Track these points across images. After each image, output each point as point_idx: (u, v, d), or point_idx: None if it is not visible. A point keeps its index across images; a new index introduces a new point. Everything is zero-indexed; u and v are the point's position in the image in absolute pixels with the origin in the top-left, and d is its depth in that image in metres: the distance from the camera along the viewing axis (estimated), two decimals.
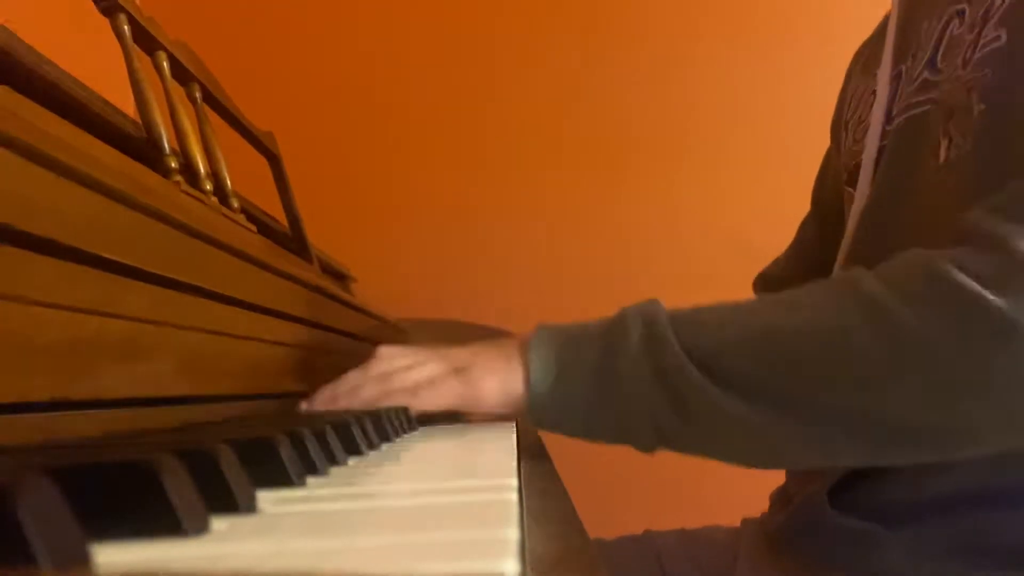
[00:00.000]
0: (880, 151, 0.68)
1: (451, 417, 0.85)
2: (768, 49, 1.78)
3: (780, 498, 0.76)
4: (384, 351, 0.67)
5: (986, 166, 0.55)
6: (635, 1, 1.83)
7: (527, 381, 0.60)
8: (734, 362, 0.55)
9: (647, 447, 0.59)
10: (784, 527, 0.70)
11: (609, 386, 0.58)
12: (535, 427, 0.63)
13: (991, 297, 0.48)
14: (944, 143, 0.59)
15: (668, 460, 1.63)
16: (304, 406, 0.66)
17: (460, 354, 0.65)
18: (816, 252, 0.90)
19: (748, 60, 1.79)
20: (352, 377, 0.65)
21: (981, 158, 0.56)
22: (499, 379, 0.61)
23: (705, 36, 1.80)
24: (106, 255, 0.41)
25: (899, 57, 0.70)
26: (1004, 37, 0.56)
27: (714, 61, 1.80)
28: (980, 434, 0.51)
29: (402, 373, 0.64)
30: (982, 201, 0.53)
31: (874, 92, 0.71)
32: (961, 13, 0.62)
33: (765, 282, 0.98)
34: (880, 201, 0.66)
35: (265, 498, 0.30)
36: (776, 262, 0.98)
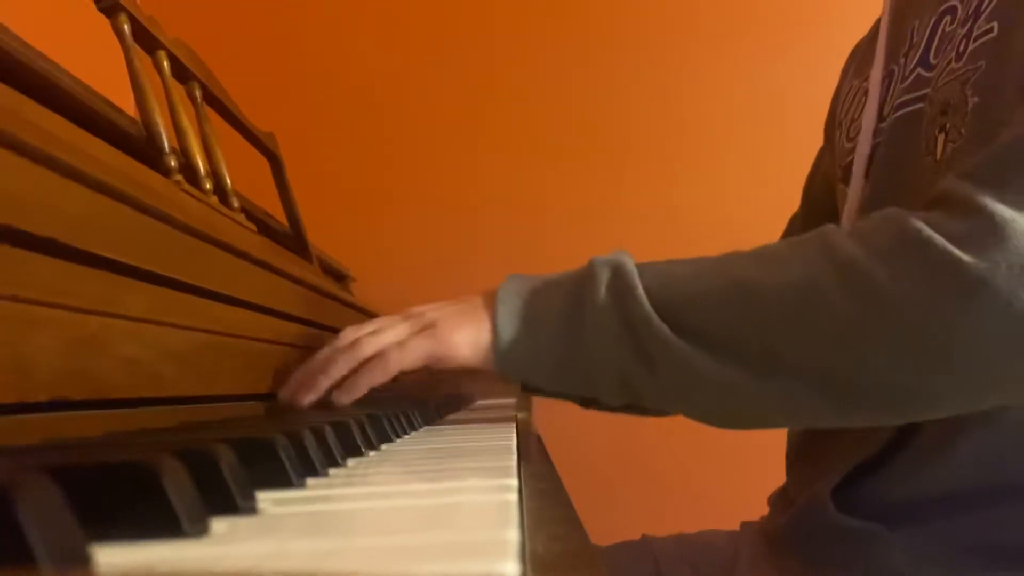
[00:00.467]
0: (873, 148, 0.69)
1: (452, 408, 0.85)
2: (768, 49, 1.78)
3: (780, 500, 0.76)
4: (347, 328, 0.66)
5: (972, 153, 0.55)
6: (635, 1, 1.83)
7: (494, 332, 0.59)
8: (701, 315, 0.54)
9: (614, 400, 0.59)
10: (785, 528, 0.70)
11: (576, 336, 0.57)
12: (504, 378, 0.62)
13: (961, 255, 0.48)
14: (941, 138, 0.59)
15: (666, 465, 1.64)
16: (281, 394, 0.65)
17: (426, 312, 0.64)
18: None
19: (748, 60, 1.79)
20: (321, 354, 0.65)
21: (973, 149, 0.56)
22: (467, 331, 0.61)
23: (705, 36, 1.80)
24: (106, 255, 0.41)
25: (891, 56, 0.70)
26: (996, 29, 0.56)
27: (714, 61, 1.80)
28: (943, 396, 0.51)
29: (369, 338, 0.63)
30: (955, 166, 0.53)
31: (867, 91, 0.71)
32: (952, 10, 0.62)
33: None
34: (876, 198, 0.66)
35: (265, 499, 0.30)
36: None
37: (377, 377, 0.62)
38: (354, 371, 0.63)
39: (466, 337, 0.61)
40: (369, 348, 0.63)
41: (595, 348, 0.57)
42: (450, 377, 0.81)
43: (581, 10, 1.84)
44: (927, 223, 0.50)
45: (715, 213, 1.77)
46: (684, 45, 1.81)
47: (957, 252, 0.48)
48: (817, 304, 0.52)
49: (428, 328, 0.62)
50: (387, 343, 0.63)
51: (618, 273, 0.57)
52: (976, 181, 0.51)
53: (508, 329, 0.59)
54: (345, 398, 0.63)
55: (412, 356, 0.62)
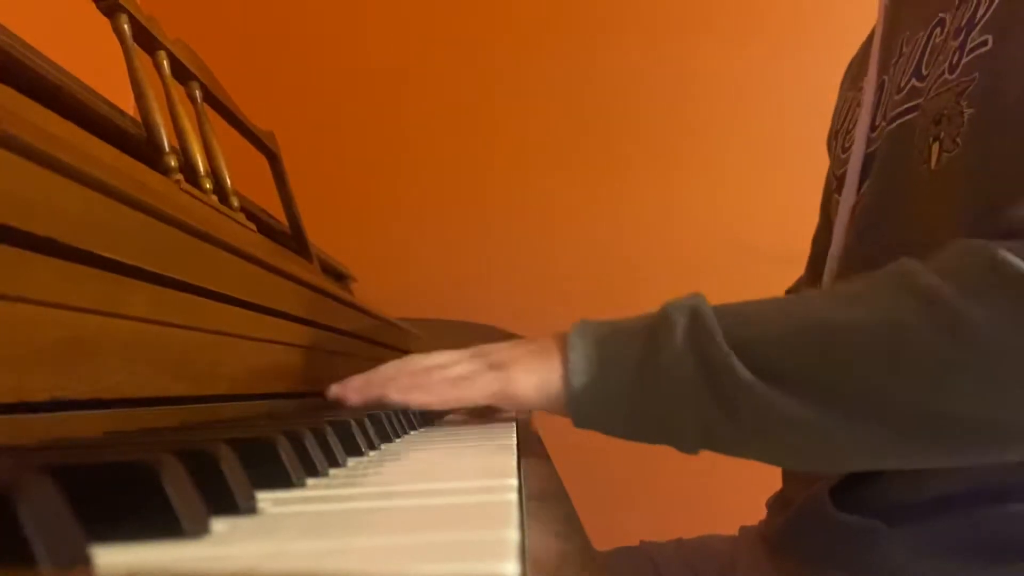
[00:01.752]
0: (866, 159, 0.69)
1: (451, 410, 0.85)
2: (768, 49, 1.78)
3: (778, 503, 0.76)
4: (415, 353, 0.66)
5: (976, 168, 0.55)
6: (637, 2, 1.83)
7: (566, 379, 0.58)
8: (783, 357, 0.53)
9: (691, 447, 0.57)
10: (784, 529, 0.70)
11: (652, 382, 0.55)
12: (576, 426, 0.60)
13: None
14: (936, 148, 0.59)
15: (664, 470, 1.64)
16: (335, 389, 0.64)
17: (496, 351, 0.63)
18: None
19: (748, 60, 1.79)
20: (386, 369, 0.64)
21: (971, 161, 0.56)
22: (537, 376, 0.59)
23: (706, 36, 1.80)
24: (106, 254, 0.41)
25: (883, 67, 0.71)
26: (990, 42, 0.56)
27: (715, 62, 1.80)
28: None
29: (438, 370, 0.63)
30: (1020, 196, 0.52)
31: (860, 102, 0.72)
32: (942, 23, 0.63)
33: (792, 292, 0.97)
34: (870, 208, 0.67)
35: (265, 499, 0.30)
36: (799, 281, 0.96)
37: (437, 402, 0.61)
38: (414, 389, 0.63)
39: (535, 380, 0.59)
40: (437, 378, 0.62)
41: (672, 394, 0.55)
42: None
43: (583, 13, 1.84)
44: (1016, 253, 0.48)
45: (715, 213, 1.77)
46: (685, 45, 1.81)
47: None
48: (904, 343, 0.50)
49: (497, 368, 0.61)
50: (454, 376, 0.62)
51: (694, 317, 0.55)
52: None
53: (581, 376, 0.57)
54: (396, 399, 0.62)
55: (479, 393, 0.61)
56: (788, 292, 0.98)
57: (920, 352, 0.49)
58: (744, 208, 1.74)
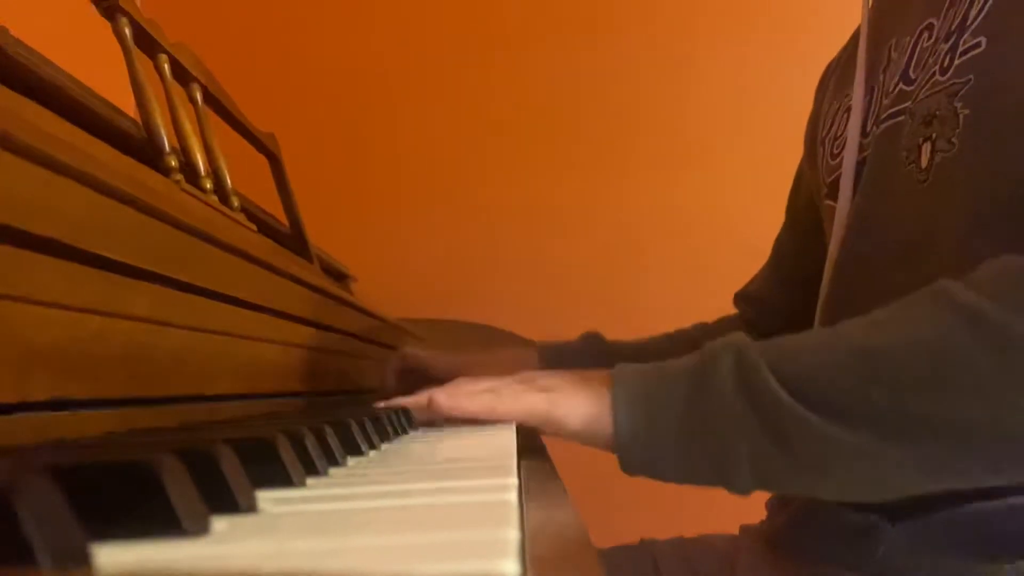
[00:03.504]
0: (859, 164, 0.69)
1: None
2: (769, 49, 1.79)
3: (778, 503, 0.77)
4: (462, 377, 0.65)
5: (976, 168, 0.56)
6: (637, 1, 1.83)
7: (615, 419, 0.57)
8: (831, 387, 0.52)
9: (743, 487, 0.56)
10: (785, 526, 0.70)
11: (701, 423, 0.55)
12: (623, 469, 0.60)
13: None
14: (926, 148, 0.59)
15: None
16: (381, 407, 0.65)
17: (541, 376, 0.63)
18: (794, 267, 0.90)
19: (749, 60, 1.79)
20: (433, 391, 0.64)
21: (970, 161, 0.56)
22: (584, 408, 0.59)
23: (707, 35, 1.81)
24: (106, 255, 0.41)
25: (871, 73, 0.71)
26: (984, 44, 0.56)
27: (716, 61, 1.80)
28: None
29: (484, 394, 0.62)
30: None
31: (848, 109, 0.72)
32: (930, 27, 0.63)
33: (744, 300, 0.98)
34: (861, 212, 0.67)
35: (265, 498, 0.30)
36: (754, 280, 0.98)
37: (481, 411, 0.61)
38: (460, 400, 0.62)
39: (581, 410, 0.59)
40: (483, 389, 0.62)
41: (723, 433, 0.54)
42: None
43: (583, 12, 1.84)
44: None
45: (715, 213, 1.77)
46: (686, 45, 1.81)
47: None
48: (949, 361, 0.50)
49: (543, 391, 0.61)
50: (501, 391, 0.62)
51: (739, 354, 0.55)
52: None
53: (627, 416, 0.57)
54: (442, 402, 0.62)
55: (523, 408, 0.60)
56: (739, 293, 0.99)
57: (969, 369, 0.49)
58: (744, 208, 1.74)
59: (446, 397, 0.62)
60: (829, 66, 0.86)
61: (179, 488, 0.23)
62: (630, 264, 1.77)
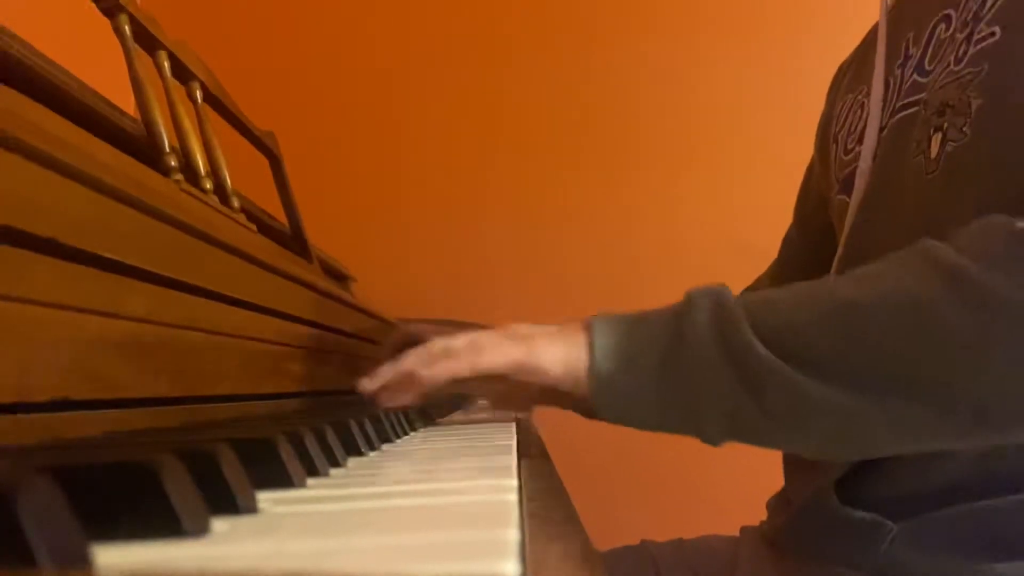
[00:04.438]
0: (875, 159, 0.69)
1: (452, 408, 0.85)
2: (769, 50, 1.79)
3: (779, 503, 0.76)
4: (437, 338, 0.63)
5: (987, 157, 0.56)
6: (637, 3, 1.83)
7: (592, 364, 0.56)
8: (810, 341, 0.52)
9: (716, 437, 0.56)
10: (787, 526, 0.70)
11: (678, 372, 0.55)
12: (599, 417, 0.59)
13: None
14: (937, 138, 0.59)
15: (666, 469, 1.63)
16: (365, 382, 0.63)
17: (519, 327, 0.61)
18: (801, 268, 0.89)
19: (749, 61, 1.79)
20: (412, 352, 0.62)
21: (980, 150, 0.56)
22: (562, 349, 0.58)
23: (707, 37, 1.81)
24: (106, 255, 0.41)
25: (889, 67, 0.71)
26: (999, 33, 0.56)
27: (715, 62, 1.80)
28: None
29: (465, 350, 0.60)
30: None
31: (863, 104, 0.72)
32: (946, 19, 0.63)
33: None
34: (870, 203, 0.67)
35: (265, 498, 0.30)
36: (760, 280, 0.97)
37: (464, 369, 0.59)
38: (437, 361, 0.60)
39: (560, 355, 0.58)
40: (462, 347, 0.60)
41: (698, 382, 0.54)
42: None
43: (583, 12, 1.84)
44: None
45: (715, 213, 1.77)
46: (686, 46, 1.81)
47: None
48: (929, 319, 0.50)
49: (523, 339, 0.60)
50: (479, 344, 0.60)
51: (719, 304, 0.55)
52: None
53: (605, 360, 0.56)
54: (424, 374, 0.60)
55: (500, 359, 0.59)
56: (744, 292, 0.98)
57: (947, 327, 0.49)
58: (744, 208, 1.74)
59: (424, 367, 0.60)
60: (842, 66, 0.85)
61: (179, 488, 0.23)
62: (631, 264, 1.76)
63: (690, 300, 0.56)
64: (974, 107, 0.57)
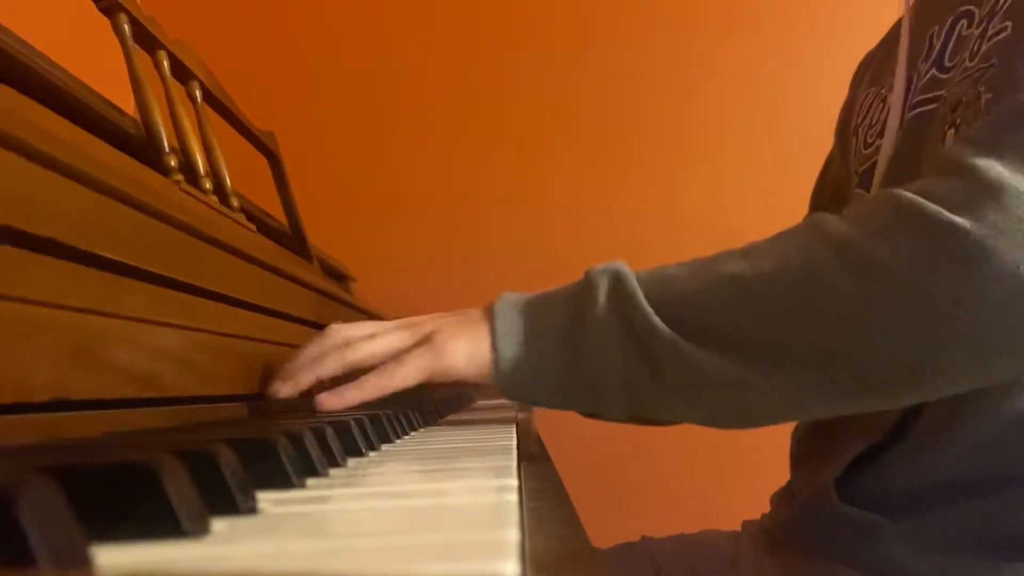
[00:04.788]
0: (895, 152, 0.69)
1: (452, 408, 0.85)
2: (769, 49, 1.78)
3: (783, 496, 0.76)
4: (334, 324, 0.64)
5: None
6: (636, 3, 1.83)
7: (494, 350, 0.58)
8: (702, 313, 0.54)
9: (618, 413, 0.57)
10: (788, 522, 0.70)
11: (577, 349, 0.56)
12: (505, 397, 0.61)
13: (959, 221, 0.47)
14: (951, 135, 0.59)
15: (666, 465, 1.63)
16: (271, 389, 0.63)
17: (421, 323, 0.62)
18: None
19: (749, 60, 1.79)
20: (309, 350, 0.62)
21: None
22: (465, 344, 0.59)
23: (706, 36, 1.80)
24: (106, 255, 0.41)
25: (911, 62, 0.70)
26: (1010, 28, 0.56)
27: (715, 61, 1.80)
28: (953, 368, 0.50)
29: (364, 343, 0.61)
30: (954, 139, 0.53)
31: (885, 98, 0.72)
32: (969, 15, 0.63)
33: None
34: None
35: (265, 499, 0.30)
36: None
37: (373, 393, 0.60)
38: (347, 375, 0.61)
39: (464, 350, 0.59)
40: (362, 353, 0.61)
41: (598, 359, 0.55)
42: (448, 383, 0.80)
43: (582, 11, 1.84)
44: (921, 193, 0.50)
45: (715, 213, 1.77)
46: (685, 45, 1.81)
47: (954, 218, 0.48)
48: (816, 288, 0.51)
49: (425, 341, 0.60)
50: (382, 352, 0.61)
51: (616, 281, 0.56)
52: (973, 145, 0.50)
53: (507, 345, 0.58)
54: (333, 404, 0.60)
55: (410, 373, 0.59)
56: None
57: (833, 296, 0.50)
58: (744, 208, 1.74)
59: (332, 397, 0.60)
60: (866, 57, 0.85)
61: (179, 489, 0.23)
62: (631, 264, 1.76)
63: (588, 279, 0.58)
64: (983, 102, 0.56)
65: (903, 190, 0.51)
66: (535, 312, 0.59)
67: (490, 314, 0.59)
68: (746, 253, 0.56)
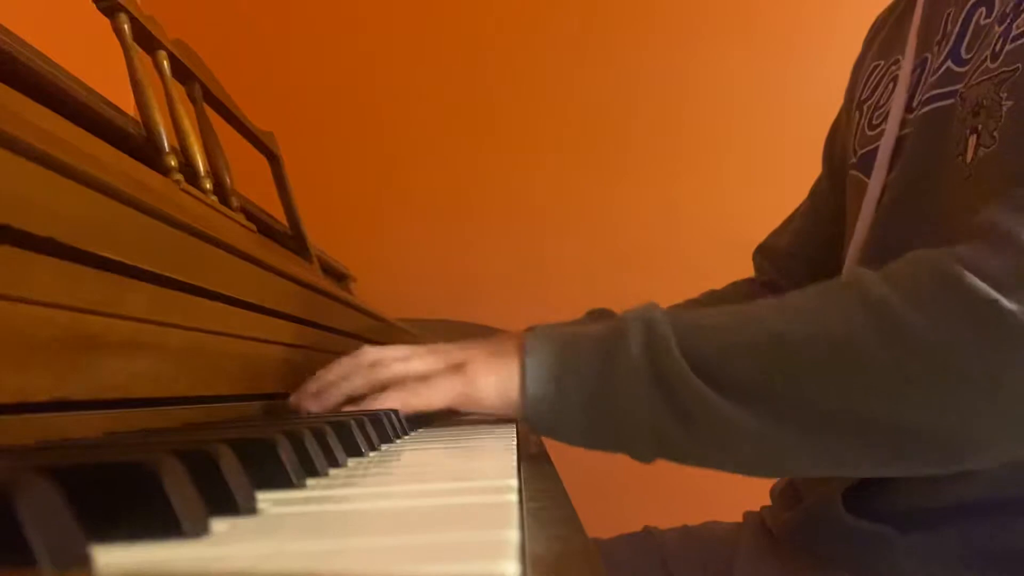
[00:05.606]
0: (899, 140, 0.67)
1: (448, 415, 0.84)
2: (768, 48, 1.78)
3: (786, 494, 0.76)
4: (367, 346, 0.64)
5: (1010, 164, 0.54)
6: (635, 3, 1.83)
7: (523, 387, 0.57)
8: (736, 369, 0.53)
9: (646, 456, 0.57)
10: (792, 524, 0.70)
11: (608, 394, 0.56)
12: (533, 433, 0.61)
13: (1004, 302, 0.46)
14: (972, 140, 0.58)
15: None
16: (292, 400, 0.63)
17: (454, 351, 0.62)
18: (833, 220, 0.82)
19: (748, 59, 1.79)
20: (339, 366, 0.62)
21: (1006, 156, 0.55)
22: (497, 379, 0.59)
23: (706, 35, 1.80)
24: (106, 255, 0.41)
25: (923, 44, 0.68)
26: None
27: (714, 60, 1.80)
28: (987, 443, 0.50)
29: (395, 364, 0.61)
30: (999, 198, 0.52)
31: (895, 79, 0.70)
32: (988, 3, 0.61)
33: (769, 255, 0.93)
34: (901, 195, 0.65)
35: (265, 499, 0.30)
36: (777, 233, 0.94)
37: (393, 406, 0.60)
38: (373, 392, 0.61)
39: (493, 383, 0.59)
40: (392, 372, 0.61)
41: (628, 404, 0.55)
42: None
43: (581, 10, 1.84)
44: (966, 264, 0.48)
45: (715, 213, 1.77)
46: (684, 44, 1.81)
47: (1000, 299, 0.46)
48: (853, 355, 0.50)
49: (456, 368, 0.60)
50: (413, 374, 0.61)
51: (650, 327, 0.55)
52: (1020, 214, 0.49)
53: (537, 382, 0.57)
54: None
55: (438, 396, 0.59)
56: (761, 246, 0.94)
57: (870, 365, 0.50)
58: (744, 208, 1.74)
59: (355, 404, 0.61)
60: (878, 18, 0.83)
61: (179, 489, 0.23)
62: (631, 265, 1.76)
63: (622, 323, 0.57)
64: (1004, 109, 0.55)
65: (948, 257, 0.49)
66: (567, 351, 0.58)
67: (522, 350, 0.59)
68: (785, 308, 0.55)
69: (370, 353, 0.63)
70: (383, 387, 0.61)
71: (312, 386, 0.63)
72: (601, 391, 0.56)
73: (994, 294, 0.47)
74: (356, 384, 0.61)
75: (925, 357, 0.48)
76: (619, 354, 0.56)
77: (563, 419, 0.58)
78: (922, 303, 0.49)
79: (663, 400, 0.54)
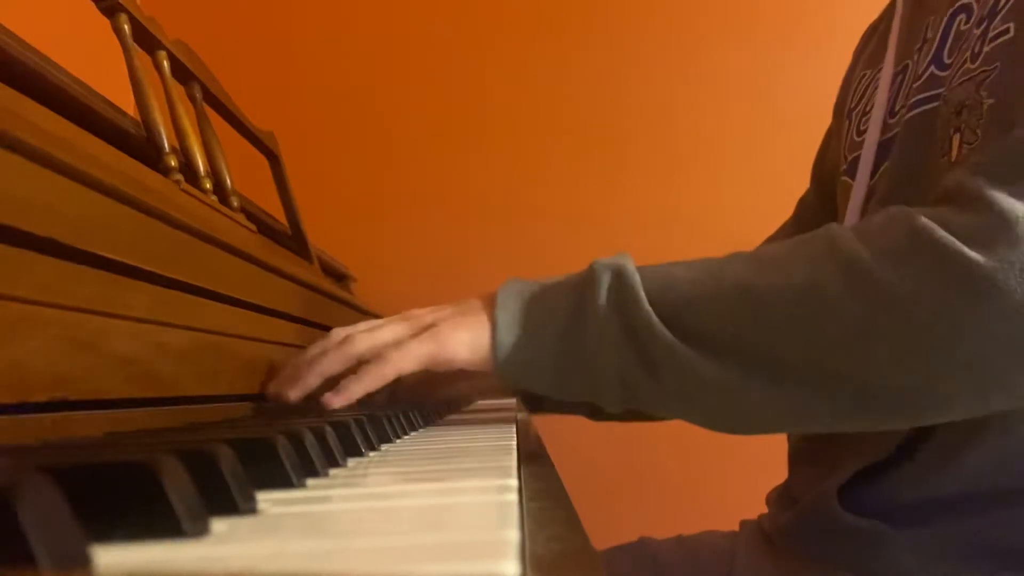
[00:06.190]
0: (881, 145, 0.68)
1: (452, 408, 0.84)
2: (768, 49, 1.78)
3: (782, 498, 0.76)
4: (337, 327, 0.65)
5: (987, 147, 0.55)
6: (633, 3, 1.83)
7: (494, 340, 0.58)
8: (704, 320, 0.53)
9: (614, 406, 0.58)
10: (788, 526, 0.70)
11: (577, 342, 0.56)
12: (503, 383, 0.62)
13: (971, 254, 0.47)
14: (956, 139, 0.59)
15: (665, 466, 1.63)
16: (270, 389, 0.63)
17: (424, 315, 0.63)
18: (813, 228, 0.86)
19: (748, 60, 1.79)
20: (311, 349, 0.63)
21: (985, 145, 0.55)
22: (467, 333, 0.59)
23: (705, 35, 1.80)
24: (106, 255, 0.41)
25: (904, 51, 0.69)
26: (1012, 30, 0.55)
27: (714, 60, 1.80)
28: (950, 399, 0.50)
29: (364, 336, 0.62)
30: (967, 165, 0.53)
31: (878, 86, 0.71)
32: (967, 9, 0.62)
33: None
34: (887, 197, 0.66)
35: (265, 499, 0.30)
36: (771, 239, 0.94)
37: (374, 381, 0.60)
38: (349, 371, 0.61)
39: (465, 339, 0.59)
40: (363, 345, 0.61)
41: (596, 353, 0.56)
42: (449, 378, 0.80)
43: (580, 10, 1.84)
44: (936, 220, 0.49)
45: (715, 213, 1.77)
46: (684, 45, 1.81)
47: (967, 251, 0.47)
48: (821, 306, 0.51)
49: (426, 329, 0.61)
50: (383, 342, 0.61)
51: (620, 277, 0.56)
52: (988, 176, 0.50)
53: (508, 334, 0.58)
54: (338, 401, 0.60)
55: (410, 358, 0.60)
56: (762, 246, 0.95)
57: (837, 316, 0.50)
58: (743, 208, 1.74)
59: (335, 395, 0.61)
60: (868, 29, 0.84)
61: (179, 489, 0.23)
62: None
63: (592, 272, 0.58)
64: (985, 107, 0.56)
65: (919, 213, 0.50)
66: (537, 303, 0.59)
67: (492, 303, 0.60)
68: (755, 260, 0.56)
69: (339, 332, 0.64)
70: (356, 361, 0.61)
71: (288, 372, 0.63)
72: (570, 340, 0.57)
73: (960, 245, 0.48)
74: (330, 363, 0.62)
75: (891, 308, 0.49)
76: (588, 304, 0.56)
77: (533, 369, 0.59)
78: (890, 255, 0.50)
79: (631, 350, 0.55)
